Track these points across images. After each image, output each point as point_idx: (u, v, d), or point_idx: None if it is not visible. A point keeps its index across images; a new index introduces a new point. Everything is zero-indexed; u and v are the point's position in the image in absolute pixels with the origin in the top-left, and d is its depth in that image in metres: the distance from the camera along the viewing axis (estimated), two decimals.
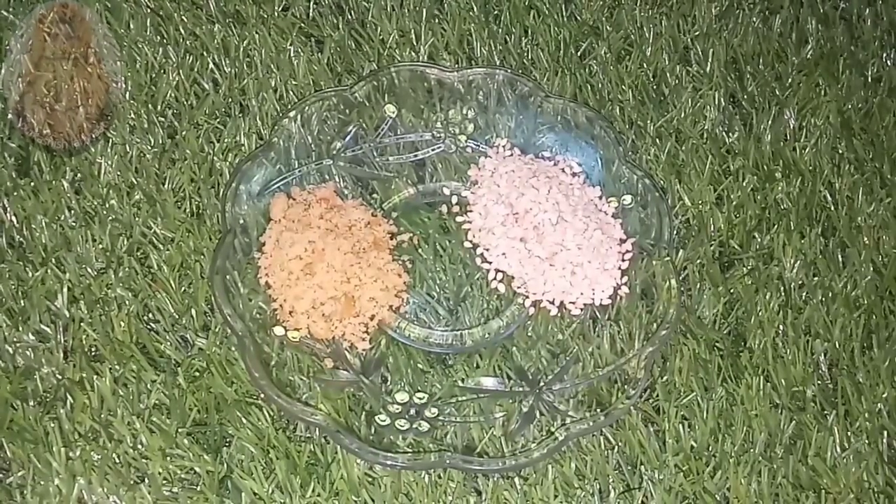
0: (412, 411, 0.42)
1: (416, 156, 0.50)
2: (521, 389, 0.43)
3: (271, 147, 0.46)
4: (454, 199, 0.49)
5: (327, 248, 0.44)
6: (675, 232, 0.46)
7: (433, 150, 0.50)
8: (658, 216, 0.46)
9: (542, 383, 0.43)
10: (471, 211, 0.48)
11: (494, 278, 0.46)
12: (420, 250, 0.47)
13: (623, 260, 0.46)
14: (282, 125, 0.46)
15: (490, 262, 0.46)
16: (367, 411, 0.42)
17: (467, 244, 0.47)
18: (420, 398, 0.43)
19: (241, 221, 0.44)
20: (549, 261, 0.45)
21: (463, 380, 0.44)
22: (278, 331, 0.43)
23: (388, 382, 0.44)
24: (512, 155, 0.49)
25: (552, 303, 0.45)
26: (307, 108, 0.47)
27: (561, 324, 0.45)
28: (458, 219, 0.48)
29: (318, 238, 0.44)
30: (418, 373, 0.44)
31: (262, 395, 0.41)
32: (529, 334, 0.45)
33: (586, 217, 0.46)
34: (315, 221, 0.45)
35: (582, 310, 0.45)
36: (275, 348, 0.43)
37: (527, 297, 0.46)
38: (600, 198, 0.48)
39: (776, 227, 0.47)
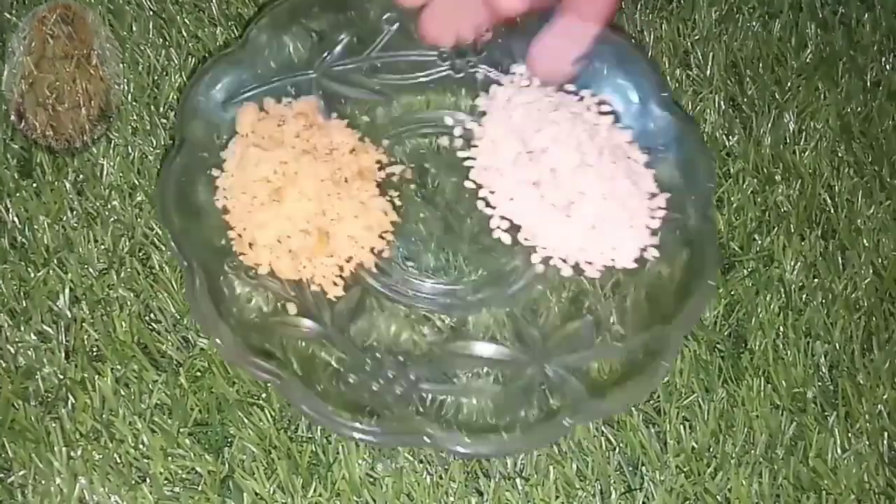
0: (388, 373, 0.37)
1: (417, 77, 0.43)
2: (520, 359, 0.37)
3: (244, 48, 0.39)
4: (457, 131, 0.42)
5: (301, 171, 0.37)
6: (710, 191, 0.40)
7: (437, 72, 0.43)
8: (696, 170, 0.40)
9: (545, 353, 0.37)
10: (476, 146, 0.41)
11: (498, 227, 0.40)
12: (412, 186, 0.41)
13: (653, 217, 0.39)
14: (259, 26, 0.39)
15: (494, 207, 0.40)
16: (335, 369, 0.37)
17: (469, 184, 0.41)
18: (400, 359, 0.37)
19: (199, 134, 0.38)
20: (564, 211, 0.38)
21: (450, 341, 0.37)
22: (232, 265, 0.37)
23: (363, 340, 0.38)
24: (530, 85, 0.42)
25: (565, 261, 0.39)
26: (283, 11, 0.40)
27: (573, 287, 0.39)
28: (461, 153, 0.41)
29: (291, 159, 0.37)
30: (399, 330, 0.39)
31: (206, 335, 0.36)
32: (535, 296, 0.39)
33: (613, 163, 0.39)
34: (289, 140, 0.38)
35: (600, 272, 0.39)
36: (227, 288, 0.37)
37: (535, 251, 0.39)
38: (630, 143, 0.41)
39: (776, 229, 0.47)
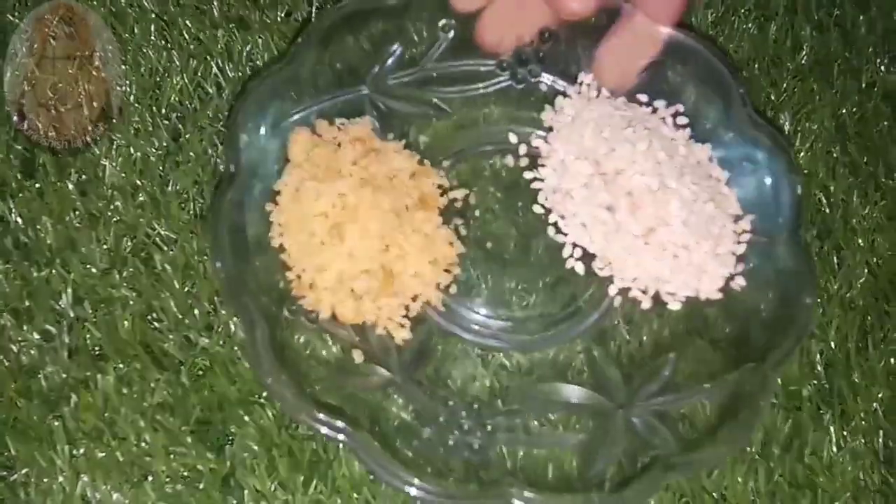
0: (464, 424, 0.33)
1: (476, 89, 0.39)
2: (602, 401, 0.34)
3: (290, 65, 0.36)
4: (522, 149, 0.39)
5: (362, 204, 0.34)
6: (800, 207, 0.36)
7: (497, 82, 0.39)
8: (779, 187, 0.35)
9: (629, 396, 0.34)
10: (543, 166, 0.38)
11: (571, 255, 0.37)
12: (477, 213, 0.38)
13: (739, 242, 0.36)
14: (305, 40, 0.35)
15: (566, 234, 0.37)
16: (405, 423, 0.34)
17: (538, 208, 0.38)
18: (475, 407, 0.33)
19: (249, 164, 0.33)
20: (643, 238, 0.35)
21: (532, 384, 0.34)
22: (290, 311, 0.34)
23: (432, 383, 0.35)
24: (599, 96, 0.38)
25: (644, 292, 0.36)
26: (337, 14, 0.36)
27: (654, 321, 0.36)
28: (527, 175, 0.38)
29: (350, 191, 0.34)
30: (470, 373, 0.36)
31: (273, 396, 0.33)
32: (612, 331, 0.36)
33: (695, 184, 0.35)
34: (346, 168, 0.34)
35: (683, 304, 0.36)
36: (285, 332, 0.34)
37: (611, 282, 0.36)
38: (711, 159, 0.37)
39: None
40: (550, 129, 0.39)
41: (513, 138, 0.39)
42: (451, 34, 0.38)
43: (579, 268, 0.37)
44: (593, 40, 0.38)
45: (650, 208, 0.35)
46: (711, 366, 0.35)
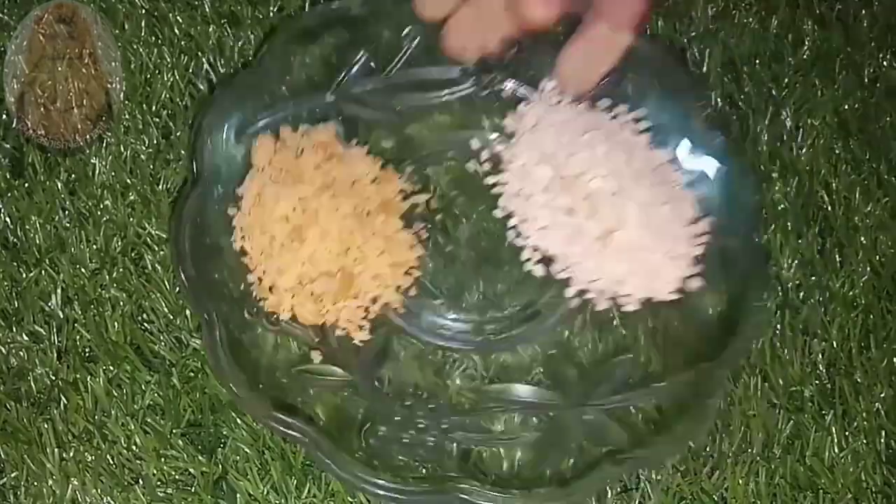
0: (420, 422, 0.35)
1: (440, 97, 0.40)
2: (555, 403, 0.35)
3: (256, 73, 0.37)
4: (484, 154, 0.39)
5: (322, 208, 0.35)
6: (757, 210, 0.38)
7: (462, 90, 0.40)
8: (738, 190, 0.37)
9: (583, 396, 0.35)
10: (505, 171, 0.38)
11: (530, 258, 0.38)
12: (438, 217, 0.39)
13: (695, 245, 0.37)
14: (270, 48, 0.37)
15: (526, 237, 0.38)
16: (362, 422, 0.35)
17: (498, 212, 0.39)
18: (430, 405, 0.35)
19: (213, 169, 0.35)
20: (601, 240, 0.36)
21: (486, 385, 0.36)
22: (251, 312, 0.35)
23: (391, 383, 0.36)
24: (561, 102, 0.39)
25: (602, 294, 0.37)
26: (301, 23, 0.38)
27: (611, 322, 0.37)
28: (489, 179, 0.39)
29: (311, 195, 0.35)
30: (428, 374, 0.37)
31: (231, 396, 0.34)
32: (570, 333, 0.37)
33: (652, 188, 0.37)
34: (308, 173, 0.35)
35: (640, 305, 0.37)
36: (249, 341, 0.36)
37: (569, 284, 0.37)
38: (672, 163, 0.38)
39: (773, 226, 0.47)
40: (513, 135, 0.39)
41: (475, 144, 0.40)
42: (416, 42, 0.39)
43: (539, 270, 0.37)
44: (555, 47, 0.38)
45: (608, 211, 0.36)
46: (666, 365, 0.36)
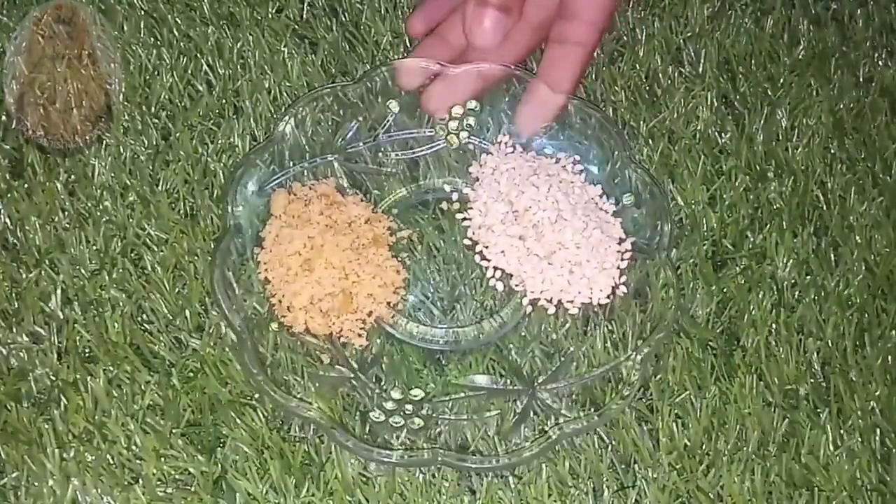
0: (407, 408, 0.42)
1: (421, 151, 0.50)
2: (515, 388, 0.43)
3: (272, 144, 0.47)
4: (455, 196, 0.49)
5: (326, 244, 0.44)
6: (672, 232, 0.46)
7: (433, 147, 0.50)
8: (656, 216, 0.46)
9: (536, 382, 0.43)
10: (471, 208, 0.48)
11: (493, 276, 0.46)
12: (419, 247, 0.47)
13: (622, 259, 0.46)
14: (283, 123, 0.47)
15: (489, 260, 0.46)
16: (361, 408, 0.42)
17: (466, 241, 0.47)
18: (414, 395, 0.43)
19: (238, 221, 0.45)
20: (547, 259, 0.45)
21: (456, 377, 0.44)
22: (275, 326, 0.43)
23: (384, 380, 0.43)
24: (513, 152, 0.49)
25: (550, 301, 0.46)
26: (302, 107, 0.47)
27: (557, 323, 0.45)
28: (458, 216, 0.48)
29: (317, 234, 0.45)
30: (413, 370, 0.44)
31: (258, 394, 0.41)
32: (524, 334, 0.45)
33: (586, 216, 0.46)
34: (315, 217, 0.45)
35: (579, 309, 0.45)
36: (269, 348, 0.43)
37: (525, 295, 0.46)
38: (601, 196, 0.48)
39: (769, 226, 0.47)
40: (477, 179, 0.49)
41: (447, 188, 0.49)
42: (397, 110, 0.49)
43: (500, 286, 0.46)
44: (509, 107, 0.50)
45: (551, 236, 0.45)
46: (601, 355, 0.44)
